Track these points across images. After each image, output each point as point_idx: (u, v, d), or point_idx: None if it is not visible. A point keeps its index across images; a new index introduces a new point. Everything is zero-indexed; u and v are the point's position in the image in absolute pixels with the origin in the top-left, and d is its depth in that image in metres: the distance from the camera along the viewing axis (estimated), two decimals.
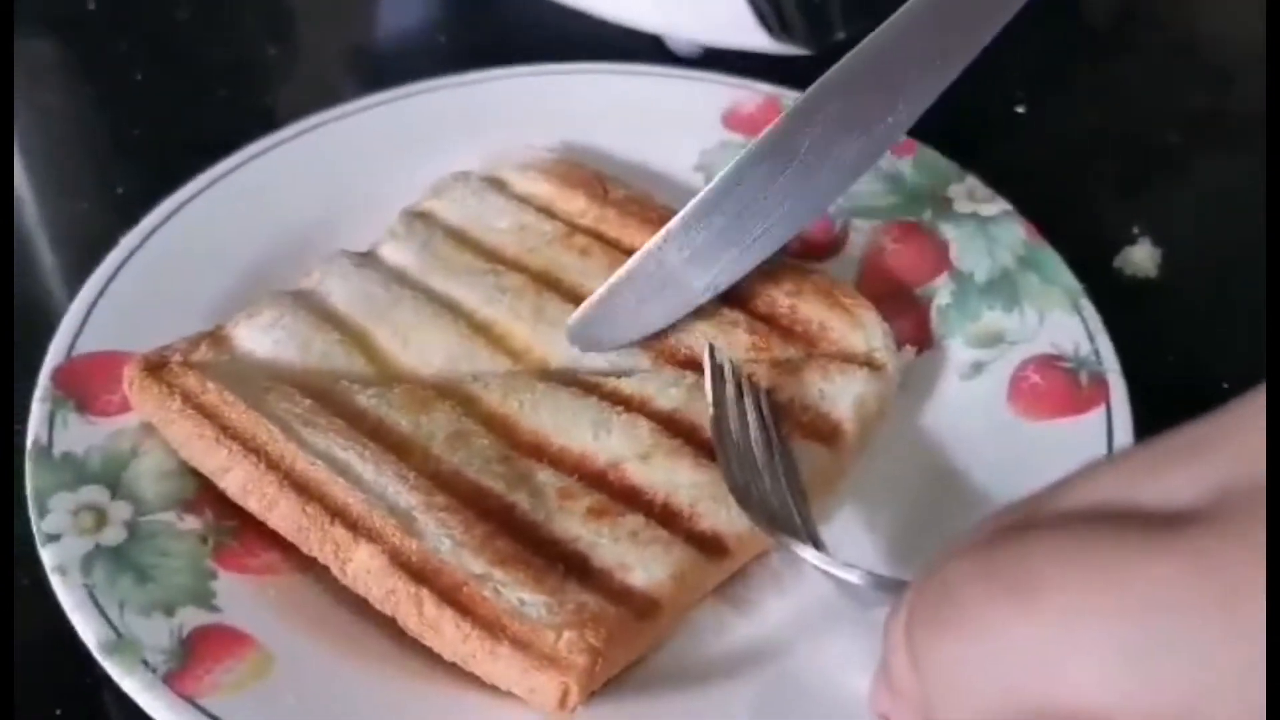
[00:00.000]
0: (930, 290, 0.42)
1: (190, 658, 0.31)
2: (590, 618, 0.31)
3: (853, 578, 0.30)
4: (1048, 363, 0.39)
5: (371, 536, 0.33)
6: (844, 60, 0.38)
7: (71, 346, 0.38)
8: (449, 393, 0.37)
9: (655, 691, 0.32)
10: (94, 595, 0.32)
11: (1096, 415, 0.38)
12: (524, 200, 0.44)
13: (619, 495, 0.35)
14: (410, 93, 0.47)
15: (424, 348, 0.39)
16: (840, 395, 0.37)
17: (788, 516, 0.33)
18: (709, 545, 0.34)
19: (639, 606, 0.32)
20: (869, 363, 0.38)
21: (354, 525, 0.33)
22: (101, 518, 0.34)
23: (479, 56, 0.49)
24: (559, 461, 0.35)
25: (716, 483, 0.34)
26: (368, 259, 0.42)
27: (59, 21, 0.57)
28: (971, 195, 0.44)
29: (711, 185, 0.39)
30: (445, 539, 0.32)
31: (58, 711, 0.33)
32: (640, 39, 0.52)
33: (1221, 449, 0.20)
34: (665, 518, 0.34)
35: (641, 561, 0.33)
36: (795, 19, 0.47)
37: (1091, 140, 0.52)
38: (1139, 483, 0.20)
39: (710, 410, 0.35)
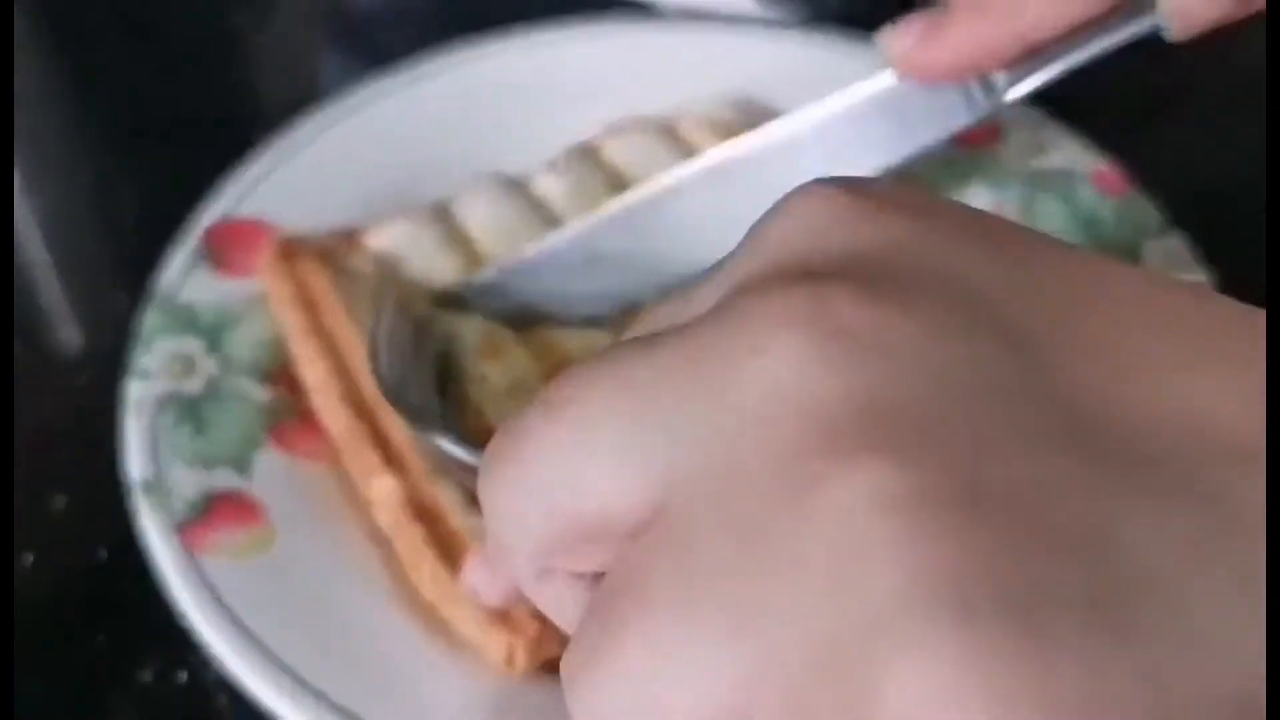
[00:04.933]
0: None
1: (207, 514, 0.33)
2: None
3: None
4: None
5: (398, 470, 0.34)
6: None
7: (235, 207, 0.41)
8: (531, 339, 0.37)
9: None
10: (155, 435, 0.35)
11: None
12: (693, 154, 0.43)
13: None
14: (604, 29, 0.47)
15: None
16: None
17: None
18: None
19: None
20: None
21: (387, 455, 0.34)
22: (190, 367, 0.37)
23: (459, 20, 0.47)
24: None
25: None
26: (519, 187, 0.42)
27: None
28: (1168, 257, 0.39)
29: None
30: (462, 491, 0.33)
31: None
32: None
33: (731, 260, 0.20)
34: None
35: None
36: None
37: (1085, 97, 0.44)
38: (676, 304, 0.20)
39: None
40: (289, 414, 0.36)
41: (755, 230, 0.20)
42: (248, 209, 0.41)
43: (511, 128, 0.44)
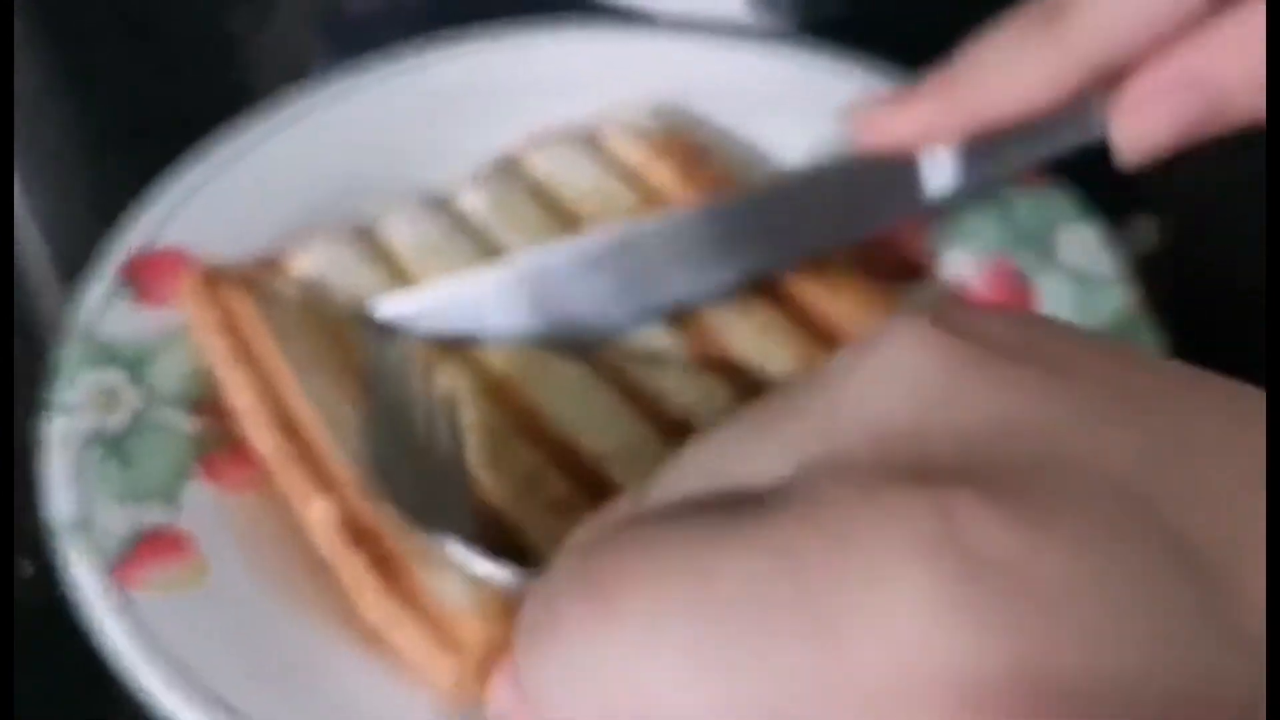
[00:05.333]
0: None
1: (138, 550, 0.33)
2: (503, 609, 0.31)
3: (499, 575, 0.29)
4: None
5: (333, 488, 0.33)
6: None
7: (155, 235, 0.40)
8: (454, 356, 0.37)
9: None
10: (80, 474, 0.34)
11: None
12: (614, 163, 0.43)
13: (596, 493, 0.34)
14: (526, 38, 0.47)
15: None
16: None
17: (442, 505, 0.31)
18: None
19: None
20: None
21: (321, 475, 0.34)
22: (114, 401, 0.36)
23: (455, 19, 0.47)
24: (550, 448, 0.35)
25: None
26: (443, 203, 0.42)
27: None
28: (1083, 246, 0.40)
29: None
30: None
31: None
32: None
33: (808, 416, 0.17)
34: None
35: None
36: None
37: None
38: (732, 456, 0.18)
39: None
40: (218, 444, 0.36)
41: (841, 378, 0.17)
42: (167, 237, 0.41)
43: (437, 142, 0.44)
